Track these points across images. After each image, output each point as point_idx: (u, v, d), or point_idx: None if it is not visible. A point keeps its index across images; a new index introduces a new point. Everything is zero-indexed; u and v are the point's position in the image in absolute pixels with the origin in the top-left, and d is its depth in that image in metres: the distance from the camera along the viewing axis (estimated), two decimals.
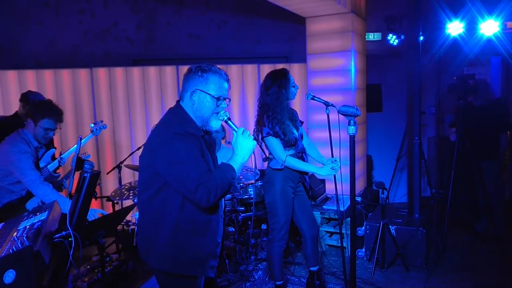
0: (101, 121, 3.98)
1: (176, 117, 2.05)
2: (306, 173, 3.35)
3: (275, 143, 3.16)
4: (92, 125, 3.89)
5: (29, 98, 3.99)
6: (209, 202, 1.87)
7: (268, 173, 3.32)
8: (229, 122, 2.07)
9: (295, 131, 3.26)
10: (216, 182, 1.88)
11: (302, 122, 3.43)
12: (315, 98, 2.90)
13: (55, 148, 4.07)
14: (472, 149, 4.40)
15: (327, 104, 3.03)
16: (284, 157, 3.15)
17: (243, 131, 2.07)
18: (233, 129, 2.08)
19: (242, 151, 2.05)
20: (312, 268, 3.53)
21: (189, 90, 2.04)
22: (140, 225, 2.12)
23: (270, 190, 3.27)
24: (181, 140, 1.91)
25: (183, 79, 2.10)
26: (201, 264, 2.06)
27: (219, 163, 2.15)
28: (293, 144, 3.23)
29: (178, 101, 2.12)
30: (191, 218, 1.99)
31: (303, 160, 3.29)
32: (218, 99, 2.04)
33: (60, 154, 3.69)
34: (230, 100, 2.15)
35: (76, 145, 3.14)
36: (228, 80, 2.11)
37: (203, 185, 1.85)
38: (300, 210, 3.37)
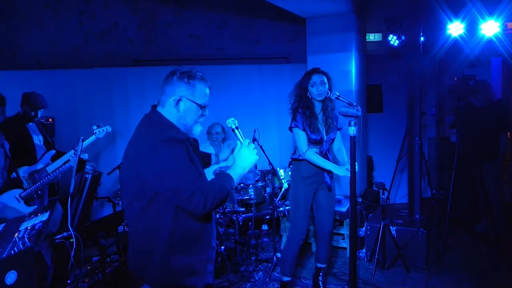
0: (105, 124, 3.98)
1: (156, 124, 1.93)
2: (328, 172, 3.40)
3: (299, 135, 3.32)
4: (95, 127, 3.89)
5: (26, 98, 4.01)
6: (205, 210, 1.79)
7: (292, 170, 3.51)
8: (236, 131, 2.05)
9: (323, 132, 3.35)
10: (214, 190, 1.81)
11: (339, 128, 3.49)
12: (340, 98, 2.91)
13: (55, 149, 4.07)
14: (473, 150, 4.40)
15: (351, 104, 3.03)
16: (305, 149, 3.29)
17: (248, 143, 2.04)
18: (239, 139, 2.06)
19: (244, 162, 2.00)
20: (318, 265, 3.60)
21: (172, 97, 1.93)
22: (132, 241, 1.99)
23: (292, 187, 3.46)
24: (168, 147, 1.81)
25: (164, 82, 1.99)
26: (199, 272, 1.99)
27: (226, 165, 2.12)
28: (319, 143, 3.34)
29: (154, 107, 2.01)
30: (186, 226, 1.90)
31: (327, 157, 3.37)
32: (203, 107, 1.98)
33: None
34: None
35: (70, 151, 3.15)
36: (210, 86, 2.02)
37: (199, 192, 1.77)
38: (317, 207, 3.49)
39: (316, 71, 3.37)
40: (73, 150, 3.72)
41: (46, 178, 3.58)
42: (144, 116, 2.01)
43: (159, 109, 1.98)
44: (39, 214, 2.13)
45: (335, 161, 3.49)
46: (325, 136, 3.35)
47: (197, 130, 2.00)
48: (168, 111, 1.95)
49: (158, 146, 1.80)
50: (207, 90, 1.99)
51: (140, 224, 1.91)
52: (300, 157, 3.33)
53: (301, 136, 3.30)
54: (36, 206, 3.50)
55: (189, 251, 1.94)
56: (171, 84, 1.96)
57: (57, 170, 3.61)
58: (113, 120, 5.48)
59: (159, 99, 2.00)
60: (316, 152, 3.33)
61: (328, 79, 3.36)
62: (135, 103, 5.50)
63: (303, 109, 3.33)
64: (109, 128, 3.95)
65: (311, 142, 3.32)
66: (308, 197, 3.41)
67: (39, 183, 3.56)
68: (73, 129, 5.40)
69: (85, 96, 5.45)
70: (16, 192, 3.47)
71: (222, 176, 1.93)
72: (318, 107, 3.36)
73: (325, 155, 3.36)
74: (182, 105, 1.93)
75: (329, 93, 3.28)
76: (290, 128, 3.38)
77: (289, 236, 3.50)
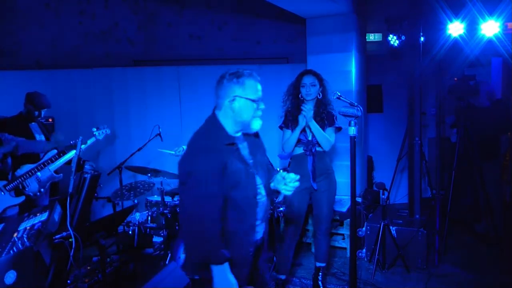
0: (104, 126, 3.99)
1: (204, 127, 2.09)
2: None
3: (284, 134, 3.45)
4: (95, 129, 3.90)
5: (29, 98, 4.02)
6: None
7: (290, 170, 3.56)
8: None
9: (308, 132, 3.37)
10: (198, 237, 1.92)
11: (339, 128, 3.48)
12: (341, 98, 2.91)
13: (56, 149, 4.08)
14: (473, 150, 4.40)
15: (352, 105, 3.03)
16: (287, 148, 3.41)
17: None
18: None
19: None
20: (317, 264, 3.62)
21: (226, 99, 2.03)
22: None
23: None
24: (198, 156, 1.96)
25: (216, 87, 2.08)
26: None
27: None
28: (305, 142, 3.40)
29: (214, 109, 2.13)
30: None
31: (313, 157, 3.39)
32: (257, 102, 2.06)
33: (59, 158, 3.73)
34: None
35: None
36: (260, 81, 2.11)
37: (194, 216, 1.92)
38: (315, 205, 3.53)
39: (307, 72, 3.41)
40: (74, 150, 3.72)
41: (31, 172, 3.64)
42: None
43: (216, 112, 2.09)
44: (38, 214, 2.13)
45: (324, 160, 3.50)
46: (309, 135, 3.37)
47: (256, 125, 2.09)
48: (225, 112, 2.05)
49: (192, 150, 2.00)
50: (258, 85, 2.08)
51: None
52: (282, 155, 3.47)
53: (286, 135, 3.42)
54: (24, 197, 3.58)
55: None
56: (223, 87, 2.05)
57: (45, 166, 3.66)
58: (113, 120, 5.48)
59: (215, 103, 2.11)
60: (305, 150, 3.39)
61: (321, 80, 3.37)
62: (135, 103, 5.50)
63: (291, 108, 3.41)
64: (108, 130, 3.97)
65: (297, 141, 3.39)
66: (302, 197, 3.42)
67: (23, 176, 3.60)
68: (73, 129, 5.40)
69: (85, 96, 5.45)
70: (1, 183, 3.53)
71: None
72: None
73: (311, 154, 3.39)
74: (236, 104, 2.02)
75: (321, 94, 3.32)
76: (280, 127, 3.49)
77: (284, 235, 3.55)
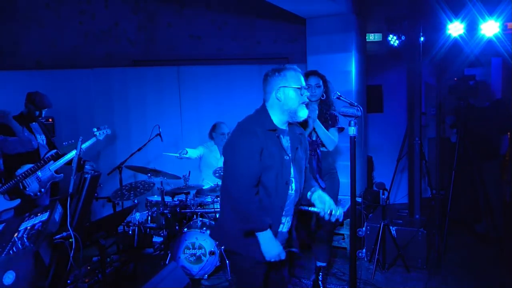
0: (105, 126, 3.99)
1: (255, 114, 2.30)
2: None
3: None
4: (95, 129, 3.90)
5: (30, 98, 4.03)
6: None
7: None
8: None
9: (312, 133, 3.35)
10: (245, 206, 2.11)
11: (341, 128, 3.46)
12: (341, 98, 2.91)
13: (56, 149, 4.08)
14: (473, 150, 4.39)
15: (352, 105, 3.04)
16: None
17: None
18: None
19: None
20: (318, 263, 3.62)
21: (272, 92, 2.24)
22: None
23: None
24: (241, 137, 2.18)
25: (263, 84, 2.30)
26: None
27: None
28: (309, 142, 3.34)
29: (263, 102, 2.33)
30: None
31: (317, 157, 3.37)
32: (300, 89, 2.23)
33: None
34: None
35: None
36: (301, 73, 2.31)
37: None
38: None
39: (312, 73, 3.39)
40: (75, 151, 3.72)
41: (30, 171, 3.63)
42: None
43: (266, 104, 2.30)
44: (38, 214, 2.13)
45: (328, 160, 3.49)
46: (314, 136, 3.36)
47: (303, 113, 2.25)
48: (272, 103, 2.26)
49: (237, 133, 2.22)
50: (300, 75, 2.28)
51: None
52: None
53: None
54: (19, 200, 3.53)
55: None
56: (268, 83, 2.27)
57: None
58: (113, 120, 5.49)
59: (264, 98, 2.32)
60: (309, 150, 3.34)
61: (325, 81, 3.36)
62: (135, 103, 5.50)
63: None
64: (108, 131, 3.96)
65: None
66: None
67: (21, 175, 3.57)
68: (73, 129, 5.40)
69: (85, 96, 5.45)
70: None
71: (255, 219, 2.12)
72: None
73: (316, 154, 3.37)
74: (281, 94, 2.22)
75: (324, 95, 3.32)
76: None
77: None
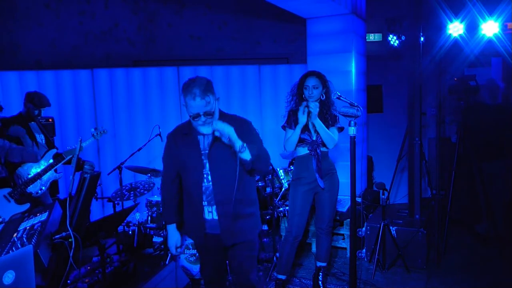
0: (102, 126, 4.03)
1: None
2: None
3: (286, 133, 3.42)
4: (93, 129, 3.92)
5: (30, 97, 4.04)
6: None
7: (293, 170, 3.60)
8: None
9: (313, 131, 3.38)
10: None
11: (341, 128, 3.47)
12: (341, 98, 2.91)
13: (56, 148, 4.09)
14: (479, 148, 4.37)
15: (352, 105, 3.04)
16: (289, 146, 3.40)
17: None
18: None
19: None
20: (318, 263, 3.63)
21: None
22: None
23: (291, 186, 3.53)
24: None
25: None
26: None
27: None
28: (309, 142, 3.39)
29: None
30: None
31: (317, 156, 3.38)
32: (193, 118, 2.32)
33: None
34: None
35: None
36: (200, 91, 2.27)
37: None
38: (318, 205, 3.54)
39: (310, 74, 3.39)
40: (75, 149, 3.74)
41: (38, 175, 3.66)
42: None
43: None
44: (38, 214, 2.13)
45: (328, 160, 3.51)
46: (314, 135, 3.38)
47: (205, 130, 2.37)
48: None
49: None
50: (193, 101, 2.29)
51: None
52: (284, 154, 3.43)
53: (288, 135, 3.41)
54: (29, 205, 3.52)
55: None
56: None
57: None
58: (113, 120, 5.49)
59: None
60: (310, 150, 3.38)
61: (324, 82, 3.36)
62: (135, 103, 5.50)
63: (295, 108, 3.40)
64: (106, 130, 3.98)
65: (301, 141, 3.37)
66: (306, 198, 3.43)
67: (29, 182, 3.59)
68: (73, 130, 5.41)
69: (85, 96, 5.45)
70: (5, 191, 3.49)
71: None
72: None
73: (316, 154, 3.38)
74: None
75: (324, 96, 3.32)
76: (283, 127, 3.47)
77: (285, 235, 3.54)
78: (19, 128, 3.83)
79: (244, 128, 2.41)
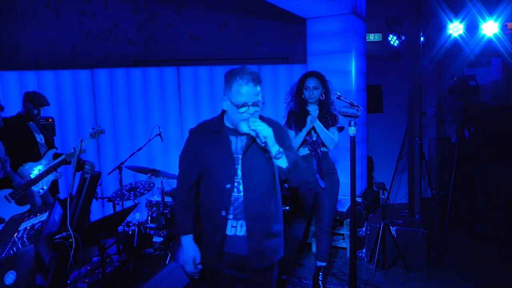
0: (99, 126, 4.01)
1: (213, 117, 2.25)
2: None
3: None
4: (91, 129, 3.93)
5: (29, 97, 4.04)
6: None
7: None
8: None
9: (313, 132, 3.38)
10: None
11: (341, 128, 3.48)
12: (341, 98, 2.92)
13: (56, 148, 4.09)
14: (477, 150, 4.37)
15: (352, 105, 3.04)
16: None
17: None
18: None
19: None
20: (318, 263, 3.63)
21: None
22: None
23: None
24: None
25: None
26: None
27: None
28: (309, 143, 3.40)
29: None
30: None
31: (318, 157, 3.38)
32: (241, 106, 2.00)
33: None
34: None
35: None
36: (255, 79, 2.00)
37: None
38: (319, 205, 3.53)
39: (310, 74, 3.40)
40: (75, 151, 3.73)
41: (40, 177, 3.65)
42: None
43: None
44: (38, 214, 2.13)
45: (329, 160, 3.51)
46: (314, 135, 3.38)
47: (244, 129, 2.04)
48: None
49: None
50: (245, 87, 1.99)
51: None
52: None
53: (290, 136, 3.39)
54: (29, 206, 3.50)
55: None
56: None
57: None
58: (113, 121, 5.49)
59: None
60: (310, 150, 3.38)
61: (324, 82, 3.37)
62: (135, 103, 5.50)
63: (295, 109, 3.41)
64: (104, 130, 3.97)
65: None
66: (307, 199, 3.44)
67: (31, 184, 3.58)
68: (73, 130, 5.41)
69: (85, 96, 5.45)
70: (6, 192, 3.47)
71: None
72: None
73: (316, 154, 3.39)
74: (224, 104, 2.10)
75: (324, 96, 3.33)
76: None
77: (285, 235, 3.54)
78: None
79: (281, 132, 2.14)
